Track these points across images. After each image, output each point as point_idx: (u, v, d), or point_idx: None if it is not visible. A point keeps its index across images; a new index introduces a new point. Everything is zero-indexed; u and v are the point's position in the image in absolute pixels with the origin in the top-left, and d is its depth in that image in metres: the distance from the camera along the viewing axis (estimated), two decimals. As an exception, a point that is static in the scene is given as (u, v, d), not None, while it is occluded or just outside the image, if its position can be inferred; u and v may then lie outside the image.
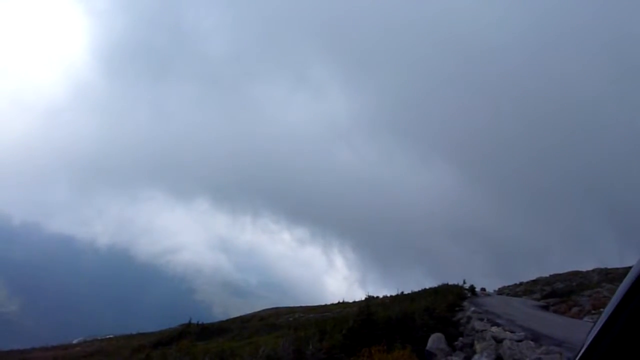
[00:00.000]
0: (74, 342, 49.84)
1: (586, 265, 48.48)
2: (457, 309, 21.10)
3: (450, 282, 35.03)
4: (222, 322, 42.41)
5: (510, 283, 51.43)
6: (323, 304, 50.06)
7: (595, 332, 1.33)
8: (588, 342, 1.39)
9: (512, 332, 12.22)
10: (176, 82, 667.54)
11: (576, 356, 1.48)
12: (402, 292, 33.59)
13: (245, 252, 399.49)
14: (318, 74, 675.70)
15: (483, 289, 38.75)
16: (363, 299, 33.95)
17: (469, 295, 30.42)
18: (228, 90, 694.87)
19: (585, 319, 20.66)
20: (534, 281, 48.55)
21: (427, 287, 34.23)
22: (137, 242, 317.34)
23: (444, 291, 28.64)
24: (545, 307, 26.45)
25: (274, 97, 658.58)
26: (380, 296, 37.44)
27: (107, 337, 50.93)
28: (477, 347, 12.45)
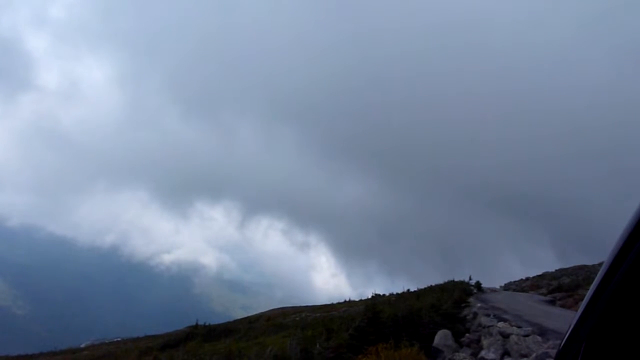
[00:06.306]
0: (82, 345, 50.12)
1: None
2: (463, 305, 21.03)
3: (457, 279, 34.90)
4: (228, 322, 42.52)
5: (516, 278, 51.33)
6: (329, 302, 50.23)
7: (576, 319, 1.37)
8: (570, 329, 1.43)
9: (518, 327, 12.20)
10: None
11: (561, 343, 1.52)
12: (408, 290, 33.62)
13: (235, 248, 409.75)
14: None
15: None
16: (369, 297, 33.97)
17: (475, 291, 30.35)
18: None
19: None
20: (540, 276, 48.44)
21: (433, 284, 34.17)
22: (132, 242, 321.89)
23: (450, 288, 28.58)
24: (552, 302, 26.33)
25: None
26: (387, 294, 37.45)
27: (115, 340, 51.18)
28: (484, 342, 12.43)
